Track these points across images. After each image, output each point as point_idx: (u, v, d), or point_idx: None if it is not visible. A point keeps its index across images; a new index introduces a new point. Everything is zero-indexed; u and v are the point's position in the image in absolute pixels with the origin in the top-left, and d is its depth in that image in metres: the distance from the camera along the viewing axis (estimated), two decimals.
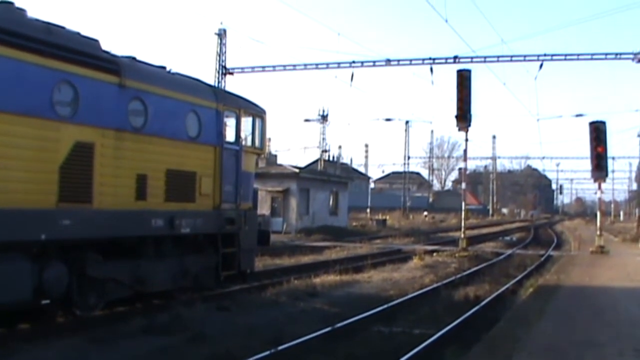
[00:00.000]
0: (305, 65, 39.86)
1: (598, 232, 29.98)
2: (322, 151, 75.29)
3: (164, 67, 13.60)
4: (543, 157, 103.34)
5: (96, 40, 11.54)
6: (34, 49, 9.93)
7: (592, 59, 37.22)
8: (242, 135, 15.16)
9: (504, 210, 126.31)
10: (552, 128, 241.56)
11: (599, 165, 27.79)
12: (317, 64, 39.43)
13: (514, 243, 41.49)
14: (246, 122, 15.37)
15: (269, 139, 75.92)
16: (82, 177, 10.76)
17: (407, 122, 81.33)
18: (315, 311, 13.57)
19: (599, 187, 30.25)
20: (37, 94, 9.99)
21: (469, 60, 36.29)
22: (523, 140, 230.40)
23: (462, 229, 29.81)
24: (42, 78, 10.07)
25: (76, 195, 10.64)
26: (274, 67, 41.05)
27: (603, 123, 27.96)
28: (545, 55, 36.25)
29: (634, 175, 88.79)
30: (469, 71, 27.93)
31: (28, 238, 9.88)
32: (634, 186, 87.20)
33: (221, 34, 42.76)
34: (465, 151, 31.47)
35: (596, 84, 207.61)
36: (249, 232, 15.22)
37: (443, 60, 37.10)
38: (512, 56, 36.69)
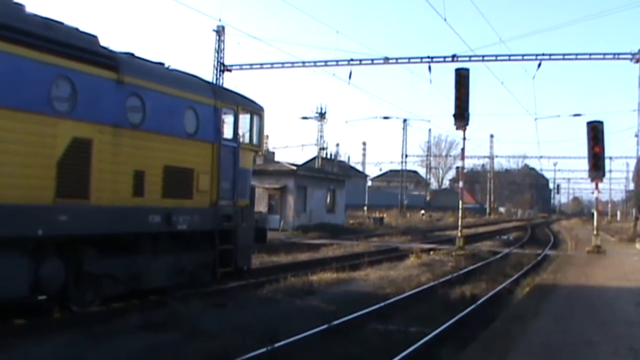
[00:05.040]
0: (303, 62, 39.89)
1: (595, 232, 30.00)
2: (320, 149, 75.28)
3: (162, 64, 13.60)
4: (540, 157, 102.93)
5: (95, 36, 11.53)
6: (32, 44, 9.91)
7: (590, 58, 37.42)
8: (240, 132, 15.14)
9: (501, 209, 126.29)
10: (549, 127, 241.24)
11: (597, 165, 27.77)
12: (315, 62, 39.48)
13: (511, 242, 41.44)
14: (244, 119, 15.35)
15: (267, 136, 75.77)
16: (80, 173, 10.75)
17: (404, 121, 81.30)
18: (312, 309, 13.55)
19: (596, 187, 30.19)
20: (35, 90, 9.97)
21: (467, 59, 36.39)
22: (521, 140, 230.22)
23: (459, 228, 29.77)
24: (39, 73, 10.06)
25: (73, 191, 10.63)
26: (272, 64, 41.04)
27: (601, 123, 27.94)
28: (543, 54, 36.40)
29: (631, 175, 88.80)
30: (467, 70, 27.88)
31: (25, 234, 9.87)
32: (631, 186, 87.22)
33: (219, 31, 42.68)
34: (462, 150, 31.54)
35: (594, 84, 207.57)
36: (246, 229, 15.22)
37: (441, 59, 37.17)
38: (510, 55, 36.80)
